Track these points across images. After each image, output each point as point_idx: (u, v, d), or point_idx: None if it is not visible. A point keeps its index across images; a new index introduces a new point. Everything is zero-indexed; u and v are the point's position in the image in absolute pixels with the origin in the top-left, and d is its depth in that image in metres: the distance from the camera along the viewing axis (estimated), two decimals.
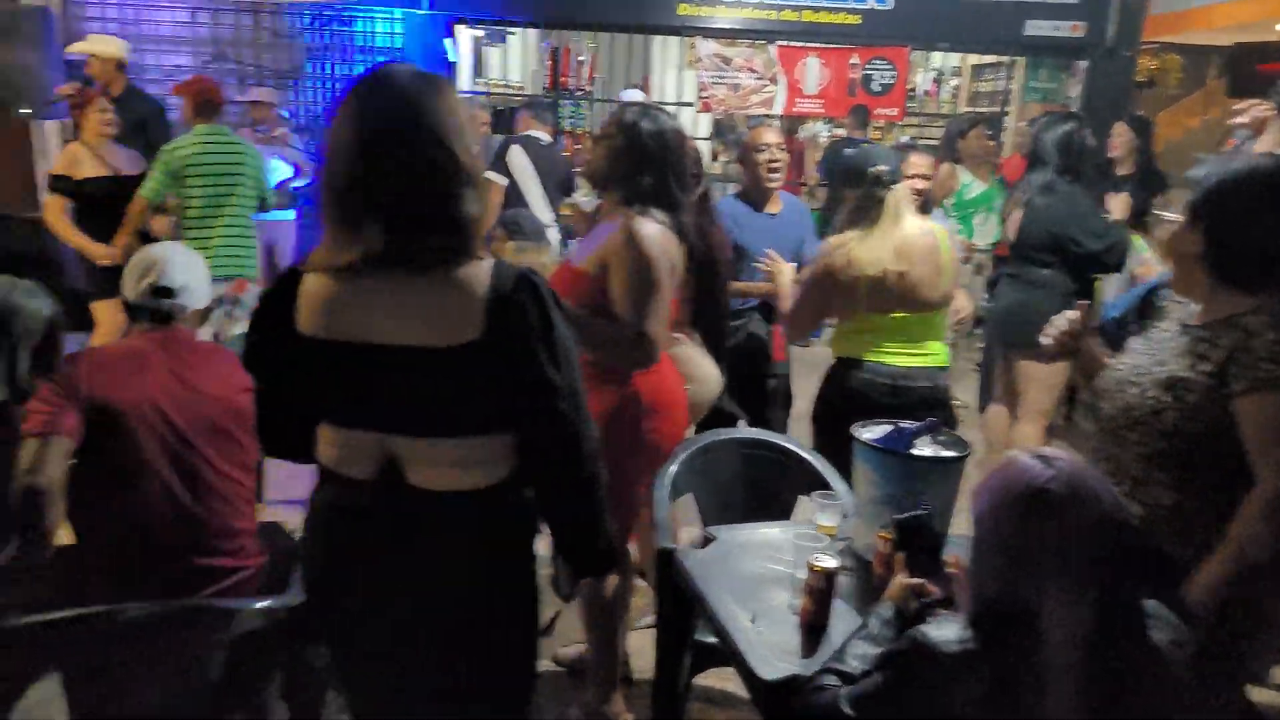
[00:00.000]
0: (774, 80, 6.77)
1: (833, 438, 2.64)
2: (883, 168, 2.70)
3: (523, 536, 1.60)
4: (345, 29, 6.71)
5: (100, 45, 5.28)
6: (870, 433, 2.02)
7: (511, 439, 1.52)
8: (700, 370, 2.82)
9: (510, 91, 8.43)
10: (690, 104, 6.92)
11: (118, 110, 4.56)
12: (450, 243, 1.43)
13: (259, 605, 1.90)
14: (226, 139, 4.48)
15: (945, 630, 1.33)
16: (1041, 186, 3.66)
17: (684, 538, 2.32)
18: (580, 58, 7.20)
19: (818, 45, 6.73)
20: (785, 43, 6.71)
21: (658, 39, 7.55)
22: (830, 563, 1.73)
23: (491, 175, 4.99)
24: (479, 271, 1.45)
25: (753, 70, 6.76)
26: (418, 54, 6.66)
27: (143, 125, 5.08)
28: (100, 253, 4.32)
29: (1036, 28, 6.41)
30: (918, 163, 3.33)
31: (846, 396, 2.73)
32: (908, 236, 2.70)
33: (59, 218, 4.34)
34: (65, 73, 6.03)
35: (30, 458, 1.85)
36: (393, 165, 1.40)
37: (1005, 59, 7.02)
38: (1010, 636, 1.29)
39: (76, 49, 5.45)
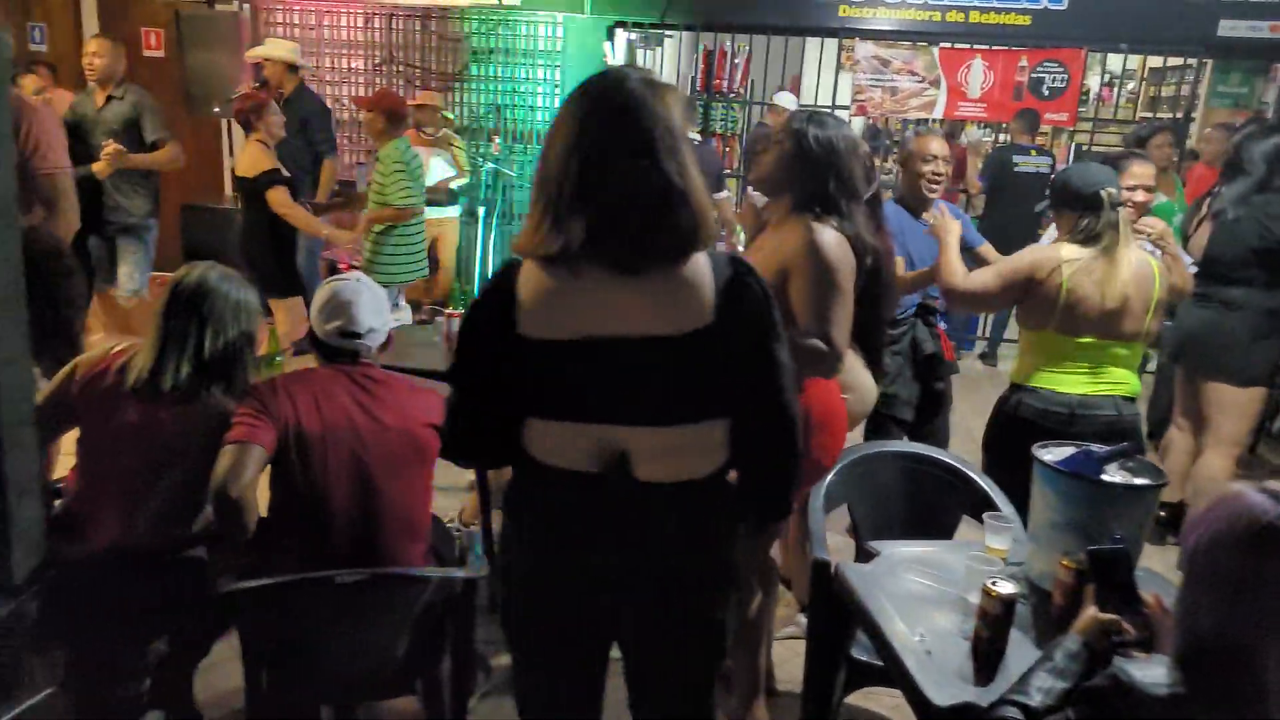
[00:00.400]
0: (935, 83, 6.56)
1: (1003, 465, 2.52)
2: (1111, 189, 2.52)
3: (732, 524, 1.63)
4: (508, 32, 6.90)
5: (273, 49, 5.63)
6: (1053, 454, 1.92)
7: (726, 424, 1.55)
8: (858, 380, 2.76)
9: None
10: (845, 107, 6.78)
11: (285, 109, 4.84)
12: (678, 241, 1.46)
13: (446, 575, 2.01)
14: (412, 150, 4.81)
15: (1151, 671, 1.24)
16: (1236, 199, 3.40)
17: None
18: (736, 60, 7.16)
19: (984, 47, 6.48)
20: (949, 45, 6.49)
21: (811, 41, 7.42)
22: (1009, 589, 1.65)
23: None
24: (698, 259, 1.48)
25: (913, 73, 6.58)
26: (577, 57, 6.79)
27: (306, 123, 5.38)
28: (345, 236, 4.77)
29: (1230, 28, 5.98)
30: (1139, 173, 2.98)
31: (1020, 424, 2.58)
32: (1130, 263, 2.52)
33: (289, 206, 4.44)
34: (251, 74, 6.47)
35: (227, 465, 1.96)
36: (621, 166, 1.43)
37: (1190, 61, 6.56)
38: (1225, 682, 1.19)
39: (253, 54, 5.83)
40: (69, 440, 2.27)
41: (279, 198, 4.40)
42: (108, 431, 2.15)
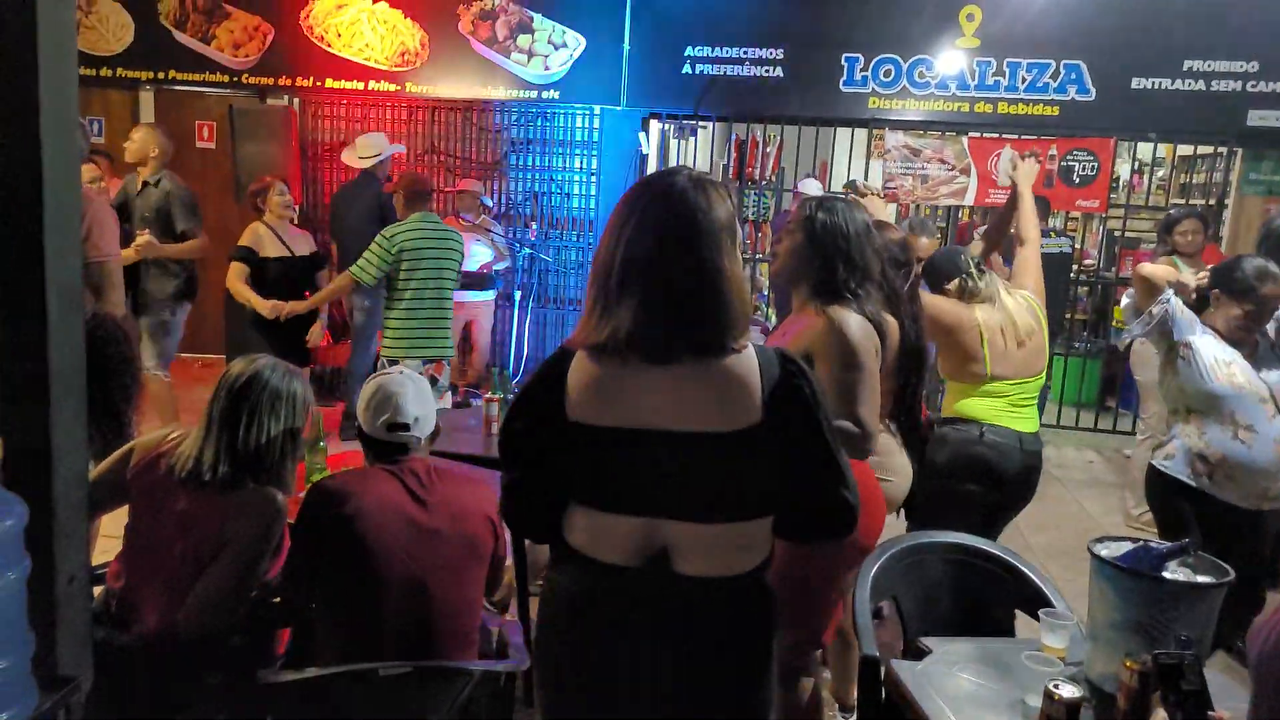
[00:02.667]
0: (965, 171, 6.65)
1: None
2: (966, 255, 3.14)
3: (773, 622, 1.61)
4: (546, 123, 7.11)
5: (361, 148, 5.95)
6: (1110, 550, 1.87)
7: (769, 520, 1.55)
8: (896, 463, 2.74)
9: None
10: (877, 194, 6.87)
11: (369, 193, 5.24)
12: (723, 335, 1.48)
13: (489, 668, 2.00)
14: (437, 226, 4.76)
15: None
16: None
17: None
18: (768, 149, 7.31)
19: (1013, 136, 6.57)
20: (978, 134, 6.60)
21: (841, 130, 7.58)
22: (1073, 692, 1.60)
23: None
24: (744, 355, 1.50)
25: (943, 161, 6.68)
26: (612, 146, 6.96)
27: (384, 207, 5.55)
28: (267, 307, 4.64)
29: (1260, 118, 6.04)
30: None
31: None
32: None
33: (236, 280, 4.67)
34: (299, 164, 6.70)
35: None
36: (663, 256, 1.47)
37: (1220, 149, 6.62)
38: None
39: (346, 159, 6.17)
40: (110, 522, 2.29)
41: (230, 271, 4.65)
42: (156, 518, 2.17)
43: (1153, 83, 6.31)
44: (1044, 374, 3.17)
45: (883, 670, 2.04)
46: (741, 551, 1.54)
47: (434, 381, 4.48)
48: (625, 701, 1.56)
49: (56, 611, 1.59)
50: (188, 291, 4.96)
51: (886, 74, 6.59)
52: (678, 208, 1.48)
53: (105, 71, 7.17)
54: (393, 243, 4.54)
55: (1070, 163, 6.51)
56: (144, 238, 4.65)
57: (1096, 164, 6.47)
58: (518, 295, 6.83)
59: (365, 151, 5.91)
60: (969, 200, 6.72)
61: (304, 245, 4.97)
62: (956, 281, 3.07)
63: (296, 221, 5.21)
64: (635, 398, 1.48)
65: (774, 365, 1.51)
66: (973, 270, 3.06)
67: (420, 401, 2.22)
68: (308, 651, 2.03)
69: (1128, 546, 1.88)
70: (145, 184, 4.89)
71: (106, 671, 2.03)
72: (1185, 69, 6.26)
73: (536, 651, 1.65)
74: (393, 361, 4.51)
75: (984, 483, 2.96)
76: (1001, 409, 3.01)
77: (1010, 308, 3.03)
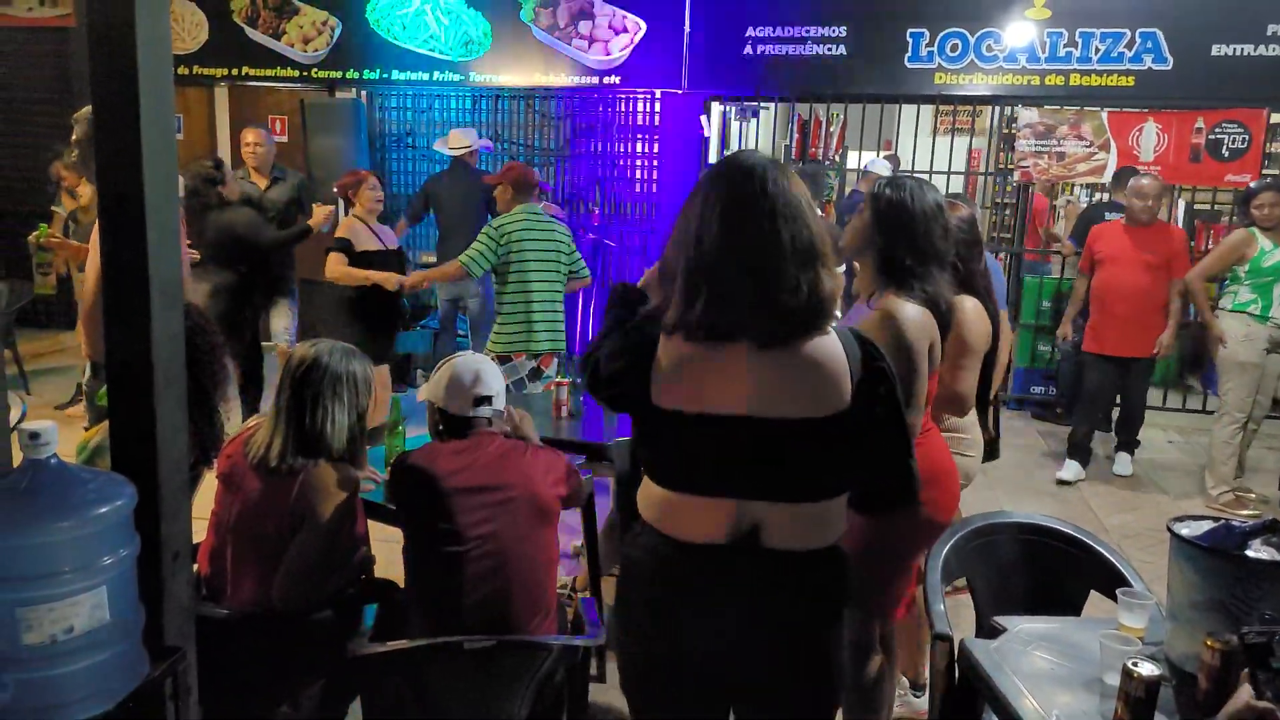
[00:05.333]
0: (1104, 147, 6.49)
1: None
2: None
3: (848, 592, 1.66)
4: (607, 109, 7.14)
5: (453, 140, 6.23)
6: (1190, 529, 1.84)
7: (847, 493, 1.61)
8: (973, 437, 2.74)
9: None
10: (942, 171, 6.75)
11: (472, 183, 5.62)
12: (814, 315, 1.51)
13: (568, 643, 2.06)
14: (543, 218, 4.56)
15: None
16: None
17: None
18: (832, 129, 7.24)
19: (1154, 110, 6.37)
20: (1118, 109, 6.43)
21: (907, 107, 7.46)
22: (1152, 670, 1.59)
23: None
24: (829, 340, 1.53)
25: (1080, 138, 6.53)
26: (674, 130, 6.96)
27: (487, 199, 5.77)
28: (391, 279, 4.77)
29: None
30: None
31: None
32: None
33: (341, 265, 4.75)
34: (367, 155, 6.85)
35: None
36: (761, 237, 1.49)
37: None
38: None
39: (439, 147, 6.44)
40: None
41: (329, 262, 4.71)
42: (236, 501, 2.28)
43: (1234, 49, 6.08)
44: None
45: (956, 648, 2.05)
46: (826, 525, 1.59)
47: (539, 373, 4.46)
48: (713, 672, 1.61)
49: (163, 586, 1.67)
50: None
51: (953, 48, 6.46)
52: (760, 186, 1.50)
53: (182, 70, 7.41)
54: (500, 233, 4.39)
55: (1218, 135, 6.24)
56: (328, 208, 5.11)
57: (1248, 136, 6.18)
58: None
59: (457, 143, 6.18)
60: (1108, 177, 6.50)
61: (391, 239, 5.02)
62: None
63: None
64: (728, 384, 1.51)
65: (855, 349, 1.55)
66: None
67: (497, 376, 2.33)
68: (392, 625, 2.11)
69: (1208, 525, 1.84)
70: (274, 179, 5.54)
71: (201, 645, 2.15)
72: (1269, 34, 6.03)
73: (617, 624, 1.69)
74: (503, 360, 4.33)
75: None
76: None
77: None
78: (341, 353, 2.35)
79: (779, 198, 1.50)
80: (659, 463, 1.58)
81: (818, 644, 1.63)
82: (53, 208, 5.89)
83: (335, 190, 5.17)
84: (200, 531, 2.40)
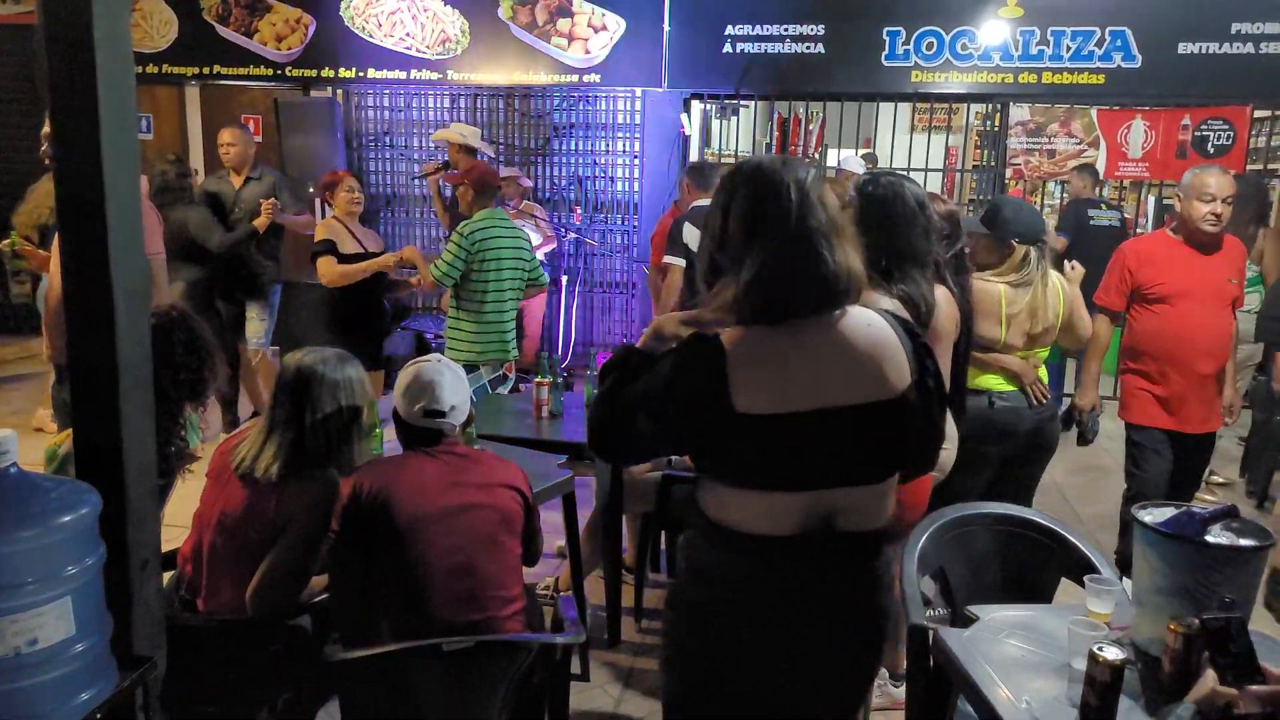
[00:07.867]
0: (1094, 144, 6.58)
1: None
2: None
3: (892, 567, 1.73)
4: (588, 107, 7.13)
5: (449, 134, 5.92)
6: (1153, 516, 1.87)
7: None
8: (953, 432, 2.74)
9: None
10: (920, 169, 6.78)
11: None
12: (839, 293, 1.56)
13: (548, 640, 2.08)
14: (509, 223, 4.38)
15: None
16: None
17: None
18: (811, 127, 7.26)
19: (1145, 107, 6.47)
20: (1107, 107, 6.52)
21: (884, 105, 7.49)
22: (1117, 654, 1.61)
23: (669, 259, 4.53)
24: (880, 323, 1.60)
25: (1070, 135, 6.62)
26: (655, 128, 6.96)
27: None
28: (391, 259, 4.67)
29: None
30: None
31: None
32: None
33: (332, 266, 4.60)
34: (344, 155, 6.81)
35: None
36: (788, 217, 1.54)
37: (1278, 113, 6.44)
38: None
39: (436, 137, 6.28)
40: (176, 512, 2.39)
41: (321, 266, 4.59)
42: (218, 509, 2.26)
43: (1200, 47, 6.16)
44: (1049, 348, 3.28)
45: (930, 638, 2.07)
46: (888, 501, 1.66)
47: (505, 379, 4.39)
48: (798, 665, 1.62)
49: (131, 595, 1.65)
50: (278, 274, 5.55)
51: (929, 47, 6.50)
52: (777, 176, 1.56)
53: (151, 68, 7.32)
54: (470, 240, 4.16)
55: (1204, 132, 6.33)
56: (270, 202, 5.14)
57: (1233, 132, 6.27)
58: (564, 280, 6.88)
59: (464, 130, 5.90)
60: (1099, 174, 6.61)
61: (373, 242, 4.86)
62: (1024, 249, 3.10)
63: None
64: (807, 377, 1.53)
65: (902, 329, 1.63)
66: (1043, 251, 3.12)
67: (456, 390, 2.25)
68: (361, 630, 2.10)
69: (1171, 512, 1.87)
70: (249, 179, 5.40)
71: (176, 652, 2.13)
72: (1234, 32, 6.10)
73: (685, 629, 1.67)
74: (470, 368, 3.98)
75: (1000, 443, 3.14)
76: (1008, 378, 3.17)
77: (1038, 298, 3.10)
78: (334, 359, 2.33)
79: (795, 184, 1.56)
80: (736, 466, 1.56)
81: (886, 615, 1.69)
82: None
83: (311, 190, 5.16)
84: (175, 539, 2.40)
